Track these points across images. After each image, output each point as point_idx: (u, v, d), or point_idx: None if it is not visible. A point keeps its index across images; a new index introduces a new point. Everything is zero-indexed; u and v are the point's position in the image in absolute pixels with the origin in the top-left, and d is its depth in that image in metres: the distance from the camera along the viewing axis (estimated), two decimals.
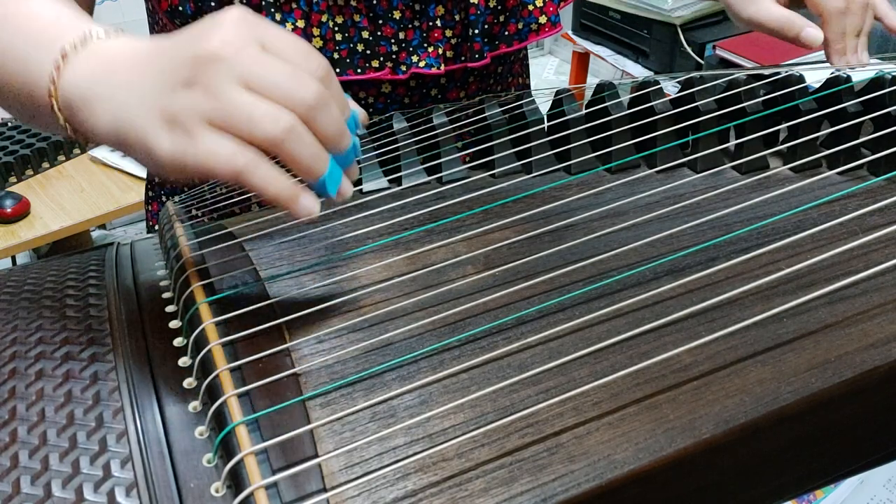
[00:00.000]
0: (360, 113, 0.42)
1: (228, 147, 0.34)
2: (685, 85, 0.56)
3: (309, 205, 0.36)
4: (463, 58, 0.62)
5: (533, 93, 0.59)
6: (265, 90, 0.34)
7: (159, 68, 0.36)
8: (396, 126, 0.56)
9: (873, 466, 0.45)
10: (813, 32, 0.63)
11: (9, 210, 1.56)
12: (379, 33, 0.60)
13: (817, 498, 1.18)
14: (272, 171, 0.35)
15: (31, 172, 1.73)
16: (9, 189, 1.65)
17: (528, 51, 0.76)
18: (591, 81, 1.05)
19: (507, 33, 0.63)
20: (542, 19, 0.64)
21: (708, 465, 0.37)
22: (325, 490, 0.33)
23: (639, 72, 2.18)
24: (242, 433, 0.34)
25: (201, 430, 0.36)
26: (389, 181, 0.55)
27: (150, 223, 0.79)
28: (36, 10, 0.44)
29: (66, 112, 0.40)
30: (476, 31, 0.61)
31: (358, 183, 0.54)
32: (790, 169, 0.53)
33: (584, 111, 0.56)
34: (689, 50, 2.01)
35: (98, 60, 0.39)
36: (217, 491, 0.34)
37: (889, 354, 0.39)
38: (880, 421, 0.43)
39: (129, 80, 0.37)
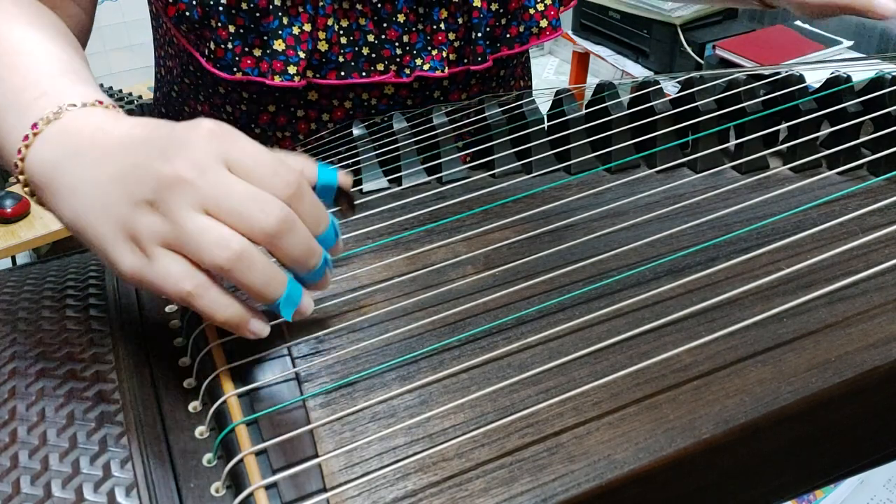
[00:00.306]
0: (345, 181, 0.41)
1: (179, 271, 0.34)
2: (685, 85, 0.56)
3: (257, 329, 0.36)
4: (465, 60, 0.63)
5: (533, 93, 0.59)
6: (223, 216, 0.34)
7: (122, 175, 0.35)
8: (396, 126, 0.56)
9: (873, 466, 0.45)
10: (884, 2, 0.61)
11: (9, 210, 1.57)
12: (383, 36, 0.60)
13: (817, 498, 1.18)
14: (220, 297, 0.35)
15: None
16: (9, 189, 1.65)
17: (529, 52, 0.76)
18: (591, 81, 1.05)
19: (508, 36, 0.63)
20: (543, 23, 0.64)
21: (708, 465, 0.37)
22: (325, 490, 0.33)
23: (639, 72, 2.18)
24: (242, 433, 0.34)
25: (201, 430, 0.36)
26: (389, 181, 0.55)
27: None
28: (24, 60, 0.44)
29: (31, 188, 0.40)
30: (479, 35, 0.61)
31: (358, 183, 0.54)
32: (790, 169, 0.53)
33: (584, 111, 0.56)
34: (689, 50, 2.01)
35: (66, 141, 0.38)
36: (217, 491, 0.34)
37: (889, 354, 0.39)
38: (880, 421, 0.43)
39: (94, 177, 0.36)
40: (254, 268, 0.34)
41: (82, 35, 0.60)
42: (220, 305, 0.35)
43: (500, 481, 0.34)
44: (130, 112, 1.14)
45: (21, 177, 0.40)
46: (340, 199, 0.41)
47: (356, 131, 0.57)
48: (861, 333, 0.40)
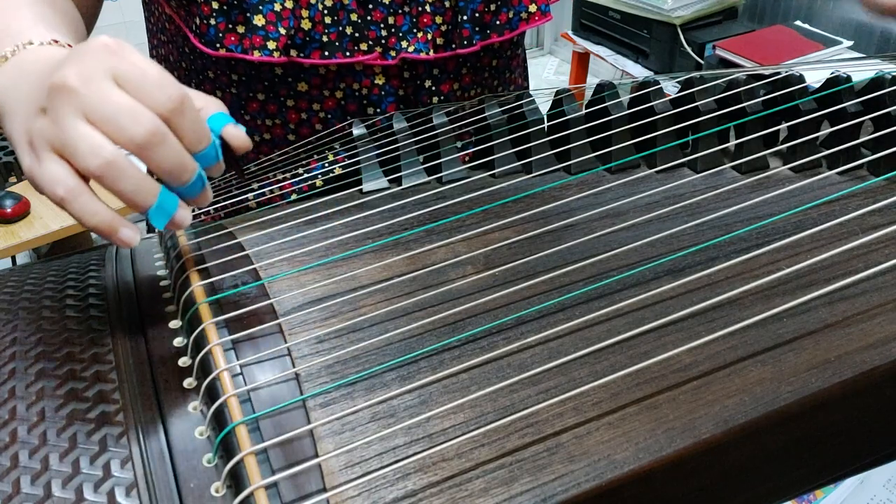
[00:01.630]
0: (237, 137, 0.42)
1: (58, 174, 0.37)
2: (685, 85, 0.56)
3: (127, 236, 0.38)
4: (453, 45, 0.63)
5: (533, 93, 0.59)
6: (100, 123, 0.36)
7: (35, 88, 0.39)
8: (396, 126, 0.56)
9: (873, 466, 0.45)
10: None
11: (9, 210, 1.56)
12: (368, 17, 0.60)
13: (817, 498, 1.18)
14: (91, 204, 0.37)
15: None
16: (9, 189, 1.65)
17: (529, 51, 0.76)
18: (591, 81, 1.05)
19: (497, 22, 0.63)
20: (532, 8, 0.64)
21: (708, 465, 0.37)
22: (324, 490, 0.33)
23: (639, 72, 2.18)
24: (242, 433, 0.34)
25: (201, 430, 0.36)
26: (389, 181, 0.55)
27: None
28: (6, 5, 0.47)
29: None
30: (465, 17, 0.61)
31: (358, 183, 0.54)
32: (790, 169, 0.53)
33: (584, 111, 0.56)
34: (689, 50, 2.01)
35: (16, 72, 0.43)
36: (217, 491, 0.34)
37: (889, 354, 0.39)
38: (880, 421, 0.43)
39: (20, 97, 0.40)
40: (124, 176, 0.36)
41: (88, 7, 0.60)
42: (90, 211, 0.37)
43: (500, 481, 0.34)
44: None
45: None
46: (227, 157, 0.42)
47: (356, 131, 0.57)
48: (861, 333, 0.40)
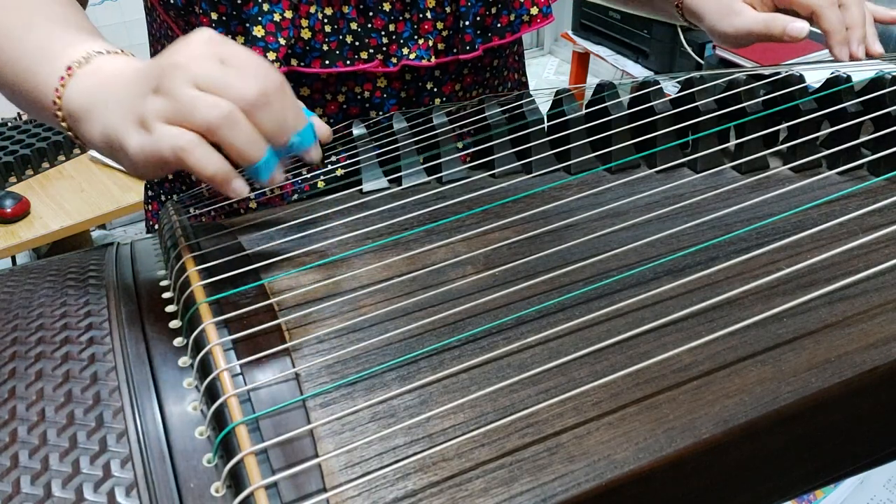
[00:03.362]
0: (322, 128, 0.46)
1: (175, 131, 0.39)
2: (685, 85, 0.56)
3: (239, 187, 0.41)
4: (455, 50, 0.62)
5: (533, 93, 0.59)
6: (212, 87, 0.39)
7: (138, 80, 0.42)
8: (396, 126, 0.56)
9: (873, 466, 0.45)
10: (798, 24, 0.63)
11: (9, 210, 1.56)
12: (369, 25, 0.60)
13: (817, 498, 1.18)
14: (209, 153, 0.40)
15: (31, 172, 1.73)
16: (9, 189, 1.65)
17: (529, 51, 0.76)
18: (591, 81, 1.05)
19: (499, 25, 0.63)
20: (534, 10, 0.64)
21: (708, 465, 0.37)
22: (324, 490, 0.33)
23: (639, 72, 2.18)
24: (242, 433, 0.34)
25: (201, 430, 0.36)
26: (389, 181, 0.55)
27: (150, 223, 0.79)
28: (37, 20, 0.49)
29: (68, 121, 0.46)
30: (467, 23, 0.61)
31: (358, 183, 0.54)
32: (790, 169, 0.53)
33: (584, 111, 0.56)
34: (689, 50, 2.01)
35: (97, 77, 0.45)
36: (217, 491, 0.34)
37: (889, 354, 0.39)
38: (880, 421, 0.43)
39: (117, 93, 0.43)
40: (239, 127, 0.39)
41: None
42: (209, 161, 0.40)
43: (500, 481, 0.34)
44: None
45: (59, 112, 0.46)
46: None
47: (356, 131, 0.57)
48: (861, 333, 0.40)
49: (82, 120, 0.45)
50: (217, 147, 0.41)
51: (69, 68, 0.46)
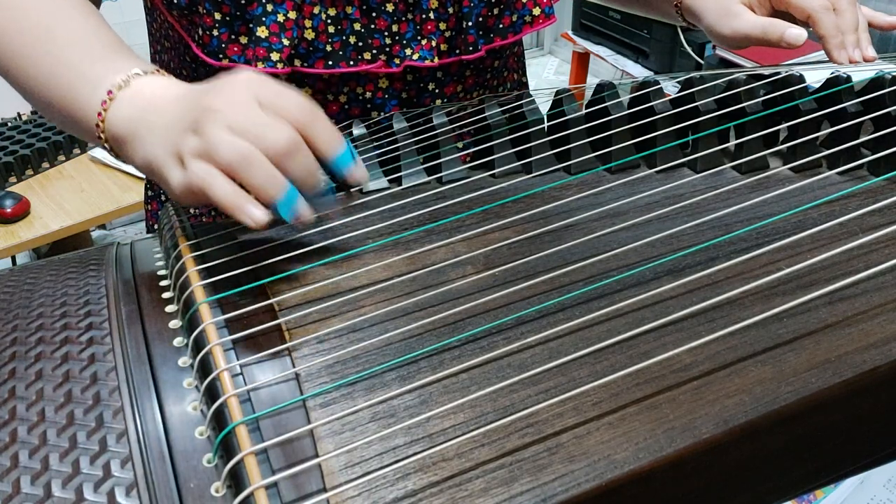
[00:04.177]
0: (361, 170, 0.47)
1: (201, 166, 0.42)
2: (685, 85, 0.56)
3: (256, 215, 0.42)
4: (457, 51, 0.63)
5: (533, 93, 0.59)
6: (243, 134, 0.42)
7: (179, 115, 0.45)
8: (396, 126, 0.56)
9: (873, 466, 0.45)
10: (795, 31, 0.64)
11: (9, 210, 1.56)
12: (372, 26, 0.60)
13: (817, 498, 1.18)
14: (226, 186, 0.42)
15: (31, 172, 1.73)
16: (9, 189, 1.65)
17: (529, 51, 0.76)
18: (591, 81, 1.05)
19: (501, 26, 0.63)
20: (536, 11, 0.64)
21: (708, 465, 0.37)
22: (324, 490, 0.33)
23: (639, 72, 2.18)
24: (242, 433, 0.34)
25: (201, 430, 0.36)
26: (389, 181, 0.55)
27: (150, 223, 0.79)
28: (76, 37, 0.51)
29: (111, 143, 0.49)
30: (470, 24, 0.61)
31: None
32: (790, 169, 0.53)
33: (584, 111, 0.56)
34: (689, 50, 2.01)
35: (138, 102, 0.47)
36: (217, 491, 0.34)
37: (889, 354, 0.39)
38: (880, 421, 0.43)
39: (159, 124, 0.46)
40: (256, 166, 0.41)
41: None
42: (223, 193, 0.42)
43: (500, 481, 0.34)
44: None
45: (102, 134, 0.48)
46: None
47: (356, 131, 0.57)
48: (861, 333, 0.40)
49: (125, 144, 0.48)
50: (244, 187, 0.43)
51: (110, 92, 0.48)
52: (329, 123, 0.44)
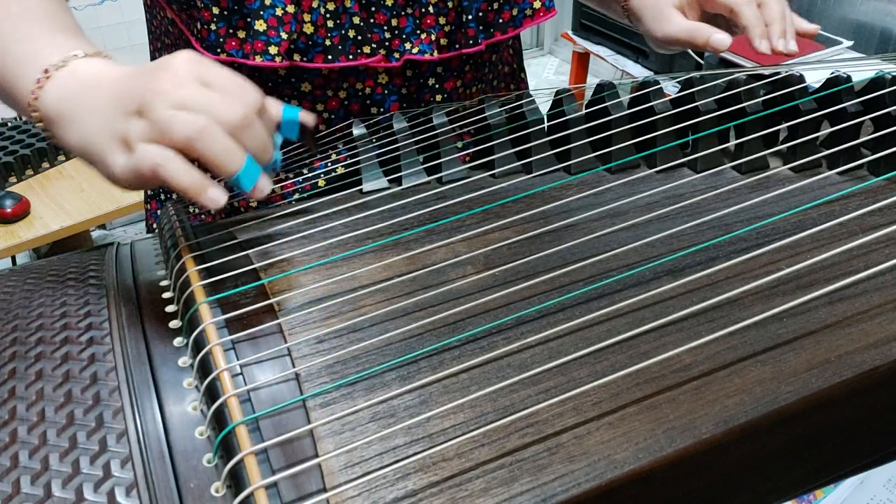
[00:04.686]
0: (308, 116, 0.48)
1: (152, 148, 0.41)
2: (685, 85, 0.56)
3: (215, 195, 0.41)
4: (457, 45, 0.63)
5: (533, 93, 0.59)
6: (195, 110, 0.41)
7: (118, 97, 0.43)
8: (396, 126, 0.56)
9: (873, 466, 0.45)
10: (720, 36, 0.64)
11: (9, 210, 1.56)
12: (371, 20, 0.60)
13: (817, 498, 1.18)
14: (183, 166, 0.41)
15: (31, 172, 1.73)
16: (9, 189, 1.65)
17: (529, 51, 0.76)
18: (591, 81, 1.05)
19: (501, 21, 0.63)
20: (537, 4, 0.64)
21: (708, 465, 0.37)
22: (324, 490, 0.33)
23: (639, 72, 2.18)
24: (242, 433, 0.34)
25: (201, 430, 0.36)
26: (389, 181, 0.55)
27: (150, 222, 0.79)
28: (25, 13, 0.50)
29: (45, 123, 0.47)
30: (469, 17, 0.61)
31: (358, 182, 0.54)
32: (790, 169, 0.53)
33: (584, 111, 0.56)
34: (689, 50, 2.00)
35: (71, 84, 0.46)
36: (217, 491, 0.34)
37: (889, 354, 0.39)
38: (880, 421, 0.43)
39: (96, 106, 0.44)
40: (216, 139, 0.41)
41: None
42: (182, 173, 0.41)
43: (500, 481, 0.34)
44: None
45: (34, 113, 0.47)
46: (304, 135, 0.48)
47: (356, 131, 0.57)
48: (861, 333, 0.40)
49: (58, 124, 0.46)
50: (199, 164, 0.42)
51: (46, 70, 0.46)
52: (270, 115, 0.45)
